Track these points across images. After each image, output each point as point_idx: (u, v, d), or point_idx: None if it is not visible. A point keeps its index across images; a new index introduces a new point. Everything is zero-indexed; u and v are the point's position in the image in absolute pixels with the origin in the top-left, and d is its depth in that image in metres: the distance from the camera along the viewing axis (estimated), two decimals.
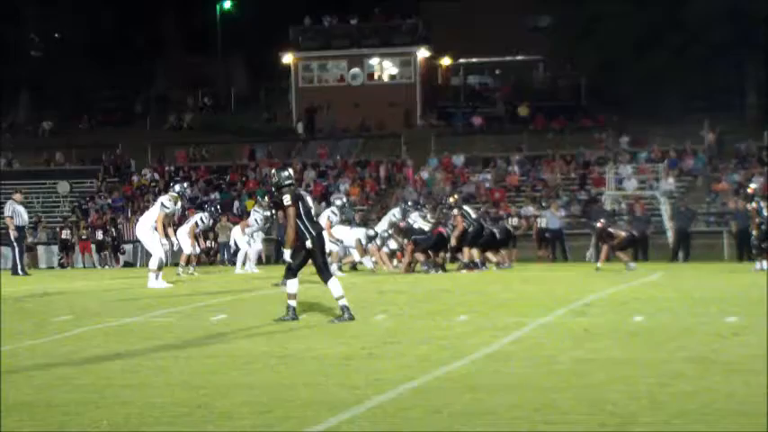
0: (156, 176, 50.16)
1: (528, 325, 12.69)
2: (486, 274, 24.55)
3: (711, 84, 49.28)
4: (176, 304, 16.51)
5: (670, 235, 34.66)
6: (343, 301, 13.64)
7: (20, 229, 28.39)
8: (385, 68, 61.44)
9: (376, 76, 61.46)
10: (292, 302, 13.73)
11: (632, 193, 42.34)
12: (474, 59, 67.87)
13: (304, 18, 61.19)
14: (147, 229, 21.38)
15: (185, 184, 26.53)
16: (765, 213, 23.73)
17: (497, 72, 69.34)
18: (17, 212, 28.25)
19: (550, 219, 35.49)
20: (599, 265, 25.14)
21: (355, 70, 60.57)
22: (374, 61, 61.30)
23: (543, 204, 37.65)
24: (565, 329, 12.23)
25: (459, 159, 49.02)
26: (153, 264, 21.05)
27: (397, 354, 10.47)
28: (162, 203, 21.38)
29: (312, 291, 18.15)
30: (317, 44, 60.67)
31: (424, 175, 47.13)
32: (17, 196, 28.87)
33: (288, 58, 60.60)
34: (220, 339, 11.94)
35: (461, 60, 67.75)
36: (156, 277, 20.80)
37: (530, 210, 38.91)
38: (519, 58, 66.96)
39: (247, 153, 52.38)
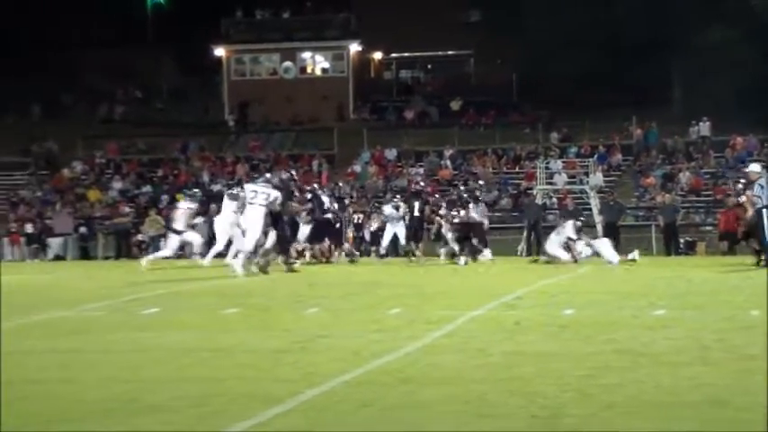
0: (87, 169, 49.75)
1: (459, 318, 12.76)
2: (418, 268, 24.66)
3: (638, 80, 49.87)
4: (107, 298, 16.39)
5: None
6: None
7: None
8: (317, 62, 61.42)
9: (308, 70, 61.44)
10: None
11: (562, 187, 42.74)
12: (406, 54, 68.00)
13: (236, 11, 60.95)
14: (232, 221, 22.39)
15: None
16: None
17: (429, 67, 69.52)
18: None
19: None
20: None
21: (287, 64, 60.47)
22: (306, 55, 61.25)
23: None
24: (496, 323, 12.31)
25: (391, 153, 49.13)
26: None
27: (329, 347, 10.49)
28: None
29: (242, 285, 18.17)
30: (249, 37, 60.48)
31: (357, 168, 47.19)
32: None
33: (220, 51, 60.38)
34: (151, 333, 11.89)
35: (393, 55, 67.87)
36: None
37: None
38: (450, 52, 67.17)
39: (179, 146, 52.09)
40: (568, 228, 25.75)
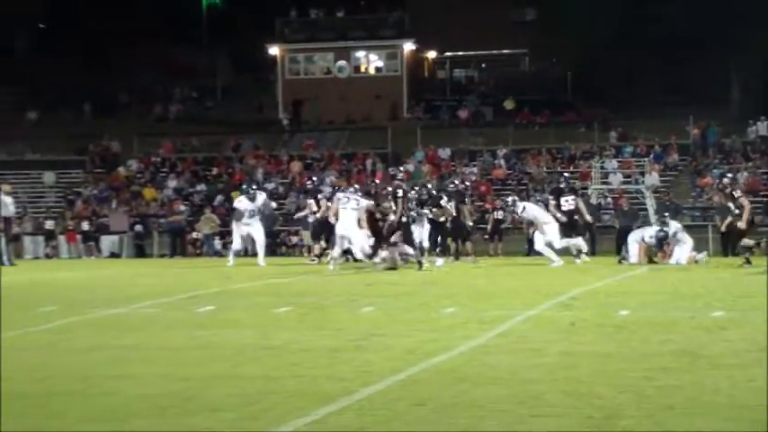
0: (142, 167, 50.13)
1: (514, 318, 12.72)
2: (472, 269, 24.58)
3: (695, 78, 49.46)
4: (162, 295, 16.49)
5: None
6: None
7: (6, 220, 28.39)
8: (371, 61, 61.51)
9: (362, 69, 61.52)
10: None
11: (617, 187, 42.47)
12: (460, 53, 67.92)
13: (290, 10, 61.18)
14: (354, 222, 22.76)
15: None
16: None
17: (483, 65, 69.39)
18: (4, 204, 28.31)
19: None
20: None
21: (341, 63, 60.58)
22: (360, 54, 61.35)
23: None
24: (551, 323, 12.25)
25: (445, 152, 49.07)
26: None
27: (383, 346, 10.48)
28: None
29: (297, 284, 18.22)
30: (303, 36, 60.69)
31: (410, 167, 47.18)
32: (5, 187, 28.93)
33: (274, 51, 60.61)
34: (207, 331, 11.93)
35: (447, 54, 67.82)
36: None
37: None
38: (504, 51, 67.00)
39: (233, 145, 52.34)
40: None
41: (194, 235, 39.01)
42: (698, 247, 26.89)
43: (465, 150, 49.47)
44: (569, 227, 26.42)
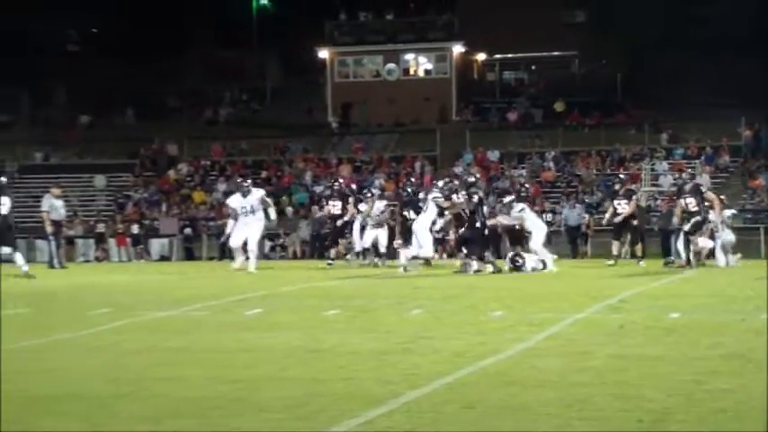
0: (192, 170, 50.40)
1: (562, 321, 12.67)
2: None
3: (747, 78, 49.00)
4: (211, 298, 16.56)
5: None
6: None
7: (56, 223, 28.62)
8: (420, 64, 61.50)
9: (411, 72, 61.55)
10: None
11: (668, 189, 42.16)
12: (509, 55, 67.76)
13: (339, 13, 61.32)
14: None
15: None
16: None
17: (533, 68, 69.20)
18: (54, 207, 28.53)
19: (569, 215, 35.58)
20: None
21: (390, 65, 60.65)
22: (409, 56, 61.37)
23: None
24: (599, 325, 12.20)
25: (494, 155, 48.97)
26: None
27: (431, 349, 10.47)
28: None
29: (345, 286, 18.24)
30: (352, 39, 60.80)
31: (458, 170, 47.09)
32: (55, 190, 29.14)
33: (323, 53, 60.73)
34: (255, 333, 11.98)
35: (497, 56, 67.68)
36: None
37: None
38: (554, 53, 66.78)
39: (282, 148, 52.47)
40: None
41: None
42: (748, 250, 26.67)
43: (514, 153, 49.35)
44: (620, 230, 26.35)
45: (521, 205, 24.91)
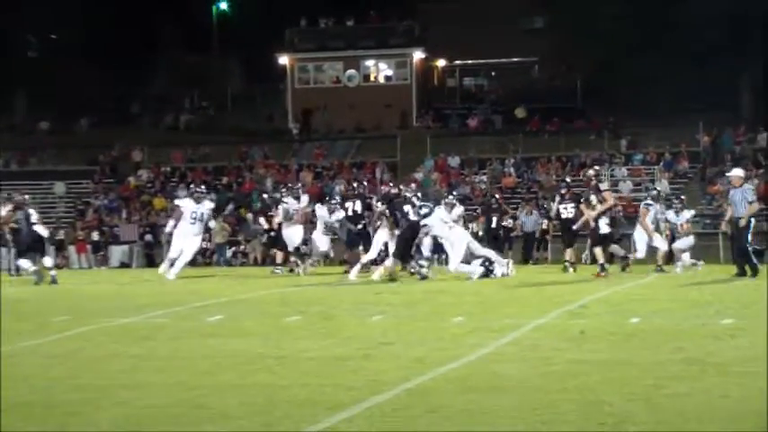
0: (153, 177, 50.20)
1: (524, 327, 12.71)
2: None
3: (705, 84, 49.32)
4: (172, 305, 16.51)
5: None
6: None
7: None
8: (381, 70, 61.57)
9: (372, 78, 61.59)
10: None
11: (627, 194, 42.42)
12: (470, 61, 67.91)
13: (300, 19, 61.28)
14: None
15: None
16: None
17: (493, 74, 69.39)
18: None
19: (526, 221, 35.71)
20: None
21: (351, 72, 60.69)
22: (370, 63, 61.44)
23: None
24: (560, 331, 12.25)
25: (454, 161, 49.08)
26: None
27: (393, 355, 10.50)
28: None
29: (307, 293, 18.20)
30: (312, 45, 60.80)
31: (419, 176, 47.18)
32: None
33: (284, 60, 60.70)
34: (217, 340, 11.96)
35: (457, 62, 67.82)
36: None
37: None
38: (514, 59, 66.99)
39: (243, 154, 52.36)
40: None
41: (205, 245, 39.00)
42: (708, 255, 26.85)
43: (475, 159, 49.47)
44: (567, 234, 26.35)
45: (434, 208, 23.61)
